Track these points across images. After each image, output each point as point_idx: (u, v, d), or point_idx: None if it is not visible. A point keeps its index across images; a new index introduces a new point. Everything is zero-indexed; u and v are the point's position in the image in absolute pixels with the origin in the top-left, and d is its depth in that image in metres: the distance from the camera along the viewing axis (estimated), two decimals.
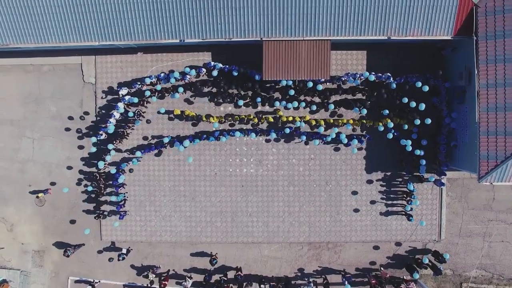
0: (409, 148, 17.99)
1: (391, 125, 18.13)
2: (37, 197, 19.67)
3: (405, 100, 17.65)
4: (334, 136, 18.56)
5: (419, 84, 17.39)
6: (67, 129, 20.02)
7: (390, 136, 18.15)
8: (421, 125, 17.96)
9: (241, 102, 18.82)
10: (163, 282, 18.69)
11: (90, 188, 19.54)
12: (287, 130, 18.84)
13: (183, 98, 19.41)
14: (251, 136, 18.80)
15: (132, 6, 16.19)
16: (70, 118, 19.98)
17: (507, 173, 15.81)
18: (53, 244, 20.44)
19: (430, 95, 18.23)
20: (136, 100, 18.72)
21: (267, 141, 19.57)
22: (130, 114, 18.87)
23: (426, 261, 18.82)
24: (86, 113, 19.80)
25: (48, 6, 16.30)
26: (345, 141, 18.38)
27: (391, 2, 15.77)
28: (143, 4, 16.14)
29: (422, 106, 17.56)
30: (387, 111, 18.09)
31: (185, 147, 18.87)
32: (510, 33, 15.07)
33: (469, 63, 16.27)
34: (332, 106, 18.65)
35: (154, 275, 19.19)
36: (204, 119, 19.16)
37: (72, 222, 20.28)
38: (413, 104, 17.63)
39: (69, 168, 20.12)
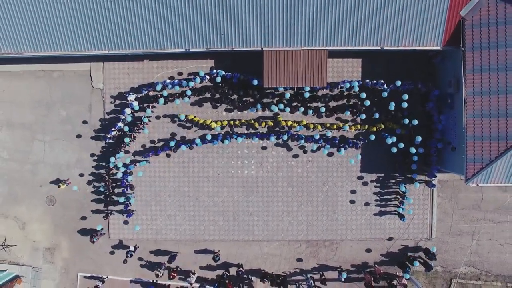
0: (413, 151, 18.82)
1: (390, 141, 18.91)
2: (59, 186, 20.56)
3: (405, 104, 18.55)
4: (330, 135, 19.58)
5: (405, 104, 18.52)
6: (77, 132, 20.90)
7: (389, 141, 18.94)
8: (414, 128, 18.97)
9: (243, 108, 19.79)
10: (172, 274, 19.71)
11: (100, 188, 20.48)
12: (285, 136, 19.75)
13: (186, 103, 20.17)
14: (252, 140, 19.74)
15: (141, 18, 17.09)
16: (80, 122, 20.88)
17: (492, 176, 16.80)
18: (65, 240, 21.37)
19: (423, 101, 19.23)
20: (137, 108, 19.82)
21: (267, 144, 20.48)
22: (126, 130, 19.88)
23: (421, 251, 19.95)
24: (96, 118, 20.71)
25: (62, 17, 17.14)
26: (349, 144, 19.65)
27: (384, 15, 16.71)
28: (151, 16, 17.04)
29: (392, 106, 18.52)
30: (377, 115, 19.01)
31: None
32: (494, 45, 15.99)
33: (457, 72, 17.21)
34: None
35: (161, 272, 19.97)
36: (207, 123, 20.05)
37: (82, 219, 21.24)
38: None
39: (78, 169, 21.03)
